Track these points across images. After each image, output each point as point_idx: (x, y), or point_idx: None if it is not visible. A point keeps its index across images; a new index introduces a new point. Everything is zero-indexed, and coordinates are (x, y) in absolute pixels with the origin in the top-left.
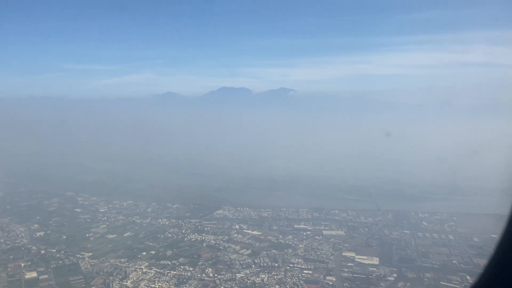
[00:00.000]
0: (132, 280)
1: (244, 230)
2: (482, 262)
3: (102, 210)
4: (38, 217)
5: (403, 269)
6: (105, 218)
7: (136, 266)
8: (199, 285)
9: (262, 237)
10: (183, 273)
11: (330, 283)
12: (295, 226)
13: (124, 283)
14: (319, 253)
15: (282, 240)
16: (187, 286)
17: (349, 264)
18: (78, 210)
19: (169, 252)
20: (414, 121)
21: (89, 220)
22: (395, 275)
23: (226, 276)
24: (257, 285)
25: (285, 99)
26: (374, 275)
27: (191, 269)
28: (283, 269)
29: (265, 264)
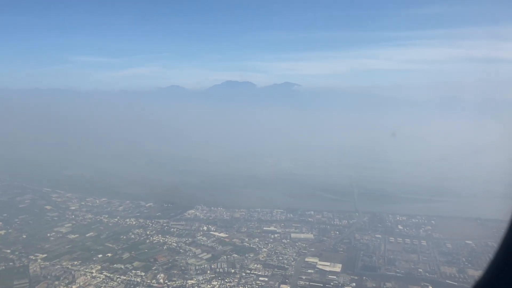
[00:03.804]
0: (79, 285)
1: (211, 232)
2: (449, 270)
3: (73, 208)
4: (5, 214)
5: (364, 277)
6: (73, 216)
7: (87, 270)
8: None
9: (227, 240)
10: (133, 279)
11: None
12: (264, 228)
13: None
14: (281, 258)
15: (246, 244)
16: None
17: (309, 270)
18: (48, 207)
19: (126, 255)
20: (417, 117)
21: (56, 219)
22: (354, 284)
23: (177, 282)
24: None
25: (289, 94)
26: (332, 283)
27: (143, 274)
28: (238, 276)
29: (221, 270)
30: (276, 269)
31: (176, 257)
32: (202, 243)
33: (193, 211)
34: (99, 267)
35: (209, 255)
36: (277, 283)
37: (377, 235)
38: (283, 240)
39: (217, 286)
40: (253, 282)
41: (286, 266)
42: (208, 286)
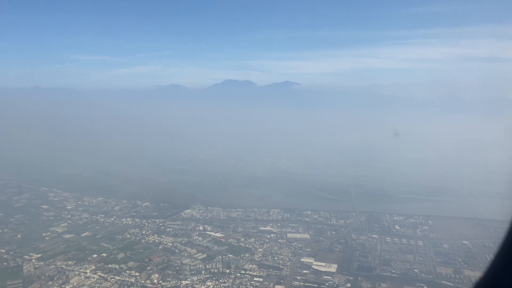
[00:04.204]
0: (72, 285)
1: (207, 232)
2: (444, 271)
3: (69, 207)
4: (1, 214)
5: (359, 278)
6: (69, 216)
7: (81, 270)
8: None
9: (223, 240)
10: (127, 279)
11: None
12: (261, 228)
13: None
14: (276, 258)
15: (242, 244)
16: None
17: (304, 271)
18: (44, 206)
19: (121, 255)
20: (417, 116)
21: (52, 218)
22: (349, 284)
23: (171, 283)
24: None
25: (289, 93)
26: (326, 284)
27: (137, 274)
28: (233, 276)
29: (216, 271)
30: (271, 270)
31: (171, 257)
32: (198, 243)
33: (189, 210)
34: (94, 267)
35: (205, 255)
36: (271, 284)
37: (373, 235)
38: (279, 240)
39: (212, 286)
40: (248, 283)
41: (281, 267)
42: (203, 286)
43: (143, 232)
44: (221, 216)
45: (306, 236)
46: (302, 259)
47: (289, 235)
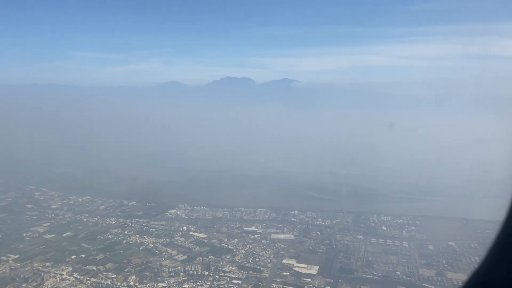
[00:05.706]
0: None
1: (190, 232)
2: (427, 273)
3: (54, 207)
4: None
5: (340, 280)
6: (53, 215)
7: (57, 272)
8: None
9: (205, 241)
10: (103, 281)
11: None
12: (245, 228)
13: None
14: (257, 260)
15: (225, 244)
16: None
17: (284, 273)
18: (29, 206)
19: (100, 256)
20: (415, 115)
21: (35, 218)
22: (329, 287)
23: (148, 285)
24: None
25: (287, 90)
26: (306, 287)
27: (114, 276)
28: (211, 278)
29: (194, 273)
30: (251, 272)
31: (151, 259)
32: (180, 244)
33: (175, 210)
34: (71, 268)
35: (185, 257)
36: (250, 286)
37: (358, 236)
38: (262, 241)
39: None
40: (226, 285)
41: (261, 269)
42: None
43: (126, 233)
44: (207, 216)
45: (291, 236)
46: (283, 261)
47: (273, 235)
